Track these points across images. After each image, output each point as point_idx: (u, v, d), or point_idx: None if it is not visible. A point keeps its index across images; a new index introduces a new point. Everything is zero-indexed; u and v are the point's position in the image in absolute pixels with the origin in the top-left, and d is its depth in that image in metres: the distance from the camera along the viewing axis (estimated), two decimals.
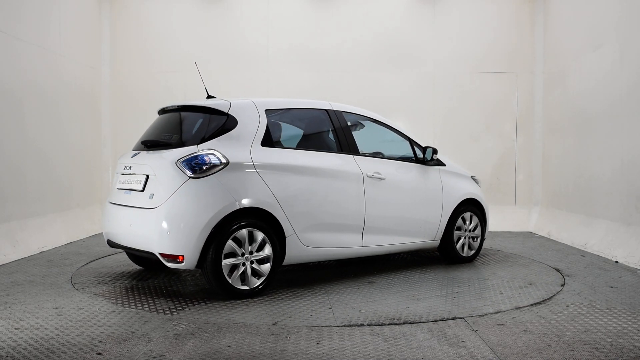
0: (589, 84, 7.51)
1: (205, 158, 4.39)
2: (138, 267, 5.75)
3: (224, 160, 4.43)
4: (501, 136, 9.23)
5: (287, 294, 4.72)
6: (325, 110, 5.30)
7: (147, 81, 9.10)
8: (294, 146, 5.06)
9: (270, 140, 4.77)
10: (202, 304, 4.40)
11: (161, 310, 4.20)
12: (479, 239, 6.19)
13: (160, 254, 4.35)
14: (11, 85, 6.46)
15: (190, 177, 4.33)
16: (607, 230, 6.78)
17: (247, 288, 4.47)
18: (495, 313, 4.18)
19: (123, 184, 4.88)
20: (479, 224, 6.16)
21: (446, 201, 5.83)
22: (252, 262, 4.49)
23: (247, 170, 4.51)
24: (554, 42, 8.73)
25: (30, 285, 4.99)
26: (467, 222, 6.05)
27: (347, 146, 5.25)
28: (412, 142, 5.79)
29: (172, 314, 4.11)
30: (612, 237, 6.61)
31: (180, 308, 4.28)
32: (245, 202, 4.43)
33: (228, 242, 4.36)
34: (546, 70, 9.00)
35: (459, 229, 5.99)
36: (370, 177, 5.24)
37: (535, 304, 4.44)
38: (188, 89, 8.60)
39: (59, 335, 3.62)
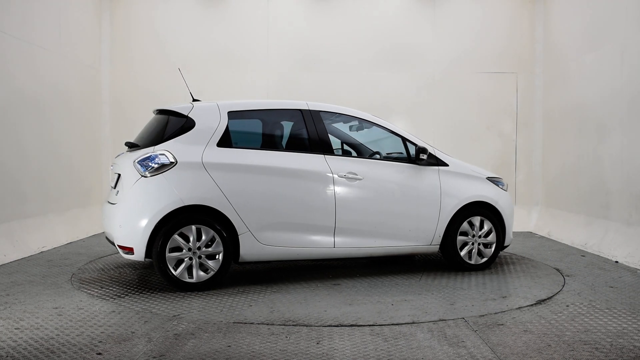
0: (589, 84, 7.51)
1: (156, 158, 4.72)
2: (138, 267, 5.75)
3: (172, 160, 4.71)
4: (501, 136, 9.23)
5: (234, 289, 4.86)
6: (300, 110, 5.29)
7: (147, 81, 9.09)
8: (257, 146, 5.16)
9: (228, 140, 4.94)
10: (202, 304, 4.41)
11: (161, 310, 4.21)
12: (493, 245, 5.67)
13: (118, 245, 4.76)
14: (11, 85, 6.46)
15: (142, 176, 4.71)
16: (607, 230, 6.78)
17: (194, 281, 4.71)
18: (495, 313, 4.18)
19: (111, 182, 5.38)
20: (493, 230, 5.64)
21: (445, 204, 5.45)
22: (200, 257, 4.72)
23: (196, 170, 4.74)
24: (554, 42, 8.73)
25: (30, 285, 4.99)
26: (476, 227, 5.58)
27: (320, 146, 5.19)
28: (406, 142, 5.51)
29: (172, 314, 4.11)
30: (612, 237, 6.61)
31: (180, 308, 4.28)
32: (191, 199, 4.67)
33: (173, 237, 4.64)
34: (546, 70, 9.00)
35: (464, 234, 5.56)
36: (342, 177, 5.11)
37: (535, 304, 4.44)
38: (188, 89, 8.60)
39: (59, 335, 3.62)
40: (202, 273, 4.73)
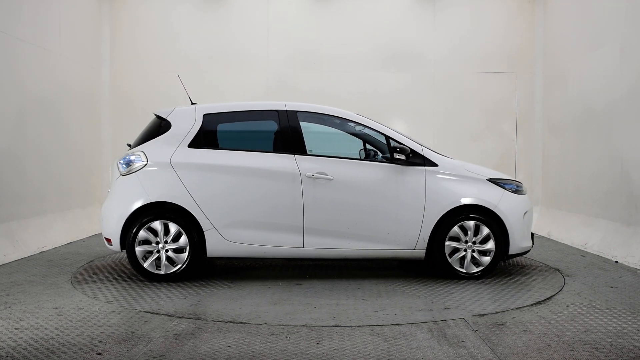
0: (589, 84, 7.51)
1: (131, 158, 5.19)
2: None
3: (145, 160, 5.13)
4: (501, 136, 9.23)
5: (198, 282, 5.12)
6: (276, 111, 5.33)
7: (146, 81, 9.09)
8: (229, 147, 5.27)
9: (200, 141, 5.22)
10: (202, 304, 4.41)
11: (161, 310, 4.21)
12: (491, 253, 5.22)
13: (104, 237, 5.26)
14: (10, 86, 6.46)
15: (120, 175, 5.20)
16: (607, 230, 6.78)
17: (162, 273, 5.08)
18: (495, 313, 4.18)
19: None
20: (491, 237, 5.22)
21: (430, 206, 5.14)
22: (167, 251, 5.06)
23: (164, 169, 5.10)
24: (554, 42, 8.73)
25: (30, 285, 4.99)
26: (470, 233, 5.19)
27: (293, 146, 5.20)
28: (390, 141, 5.27)
29: (172, 314, 4.11)
30: (612, 237, 6.61)
31: (180, 308, 4.29)
32: (156, 196, 5.06)
33: (141, 231, 5.03)
34: (546, 70, 9.00)
35: (455, 239, 5.20)
36: (310, 177, 5.09)
37: (535, 304, 4.44)
38: (187, 89, 8.60)
39: (59, 335, 3.63)
40: (169, 266, 5.07)
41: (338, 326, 3.86)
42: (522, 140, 9.22)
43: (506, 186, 5.36)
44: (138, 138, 5.44)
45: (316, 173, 5.12)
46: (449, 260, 5.21)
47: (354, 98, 8.96)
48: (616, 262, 6.14)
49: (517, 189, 5.41)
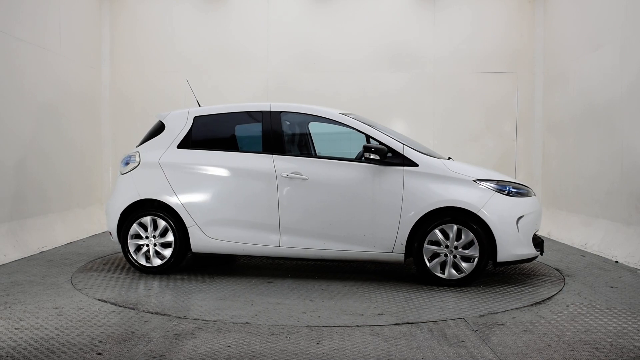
0: (589, 84, 7.51)
1: (130, 158, 5.62)
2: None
3: (138, 160, 5.52)
4: (501, 136, 9.23)
5: (179, 275, 5.40)
6: (262, 112, 5.42)
7: (147, 82, 9.09)
8: (214, 148, 5.47)
9: (188, 142, 5.49)
10: (202, 303, 4.41)
11: (161, 310, 4.21)
12: (475, 260, 4.88)
13: (108, 230, 5.68)
14: (10, 86, 6.46)
15: (120, 173, 5.66)
16: (607, 230, 6.78)
17: (150, 266, 5.41)
18: (495, 313, 4.18)
19: None
20: (475, 242, 4.87)
21: (407, 208, 4.92)
22: (155, 245, 5.40)
23: (153, 168, 5.45)
24: (554, 42, 8.73)
25: (30, 285, 4.99)
26: (452, 237, 4.89)
27: (273, 146, 5.28)
28: (370, 141, 5.12)
29: (172, 314, 4.12)
30: (612, 237, 6.61)
31: (180, 308, 4.29)
32: (145, 194, 5.42)
33: (133, 225, 5.42)
34: (546, 70, 9.00)
35: (435, 243, 4.92)
36: (285, 177, 5.13)
37: (535, 304, 4.44)
38: (187, 90, 8.60)
39: (59, 335, 3.63)
40: (157, 259, 5.40)
41: (248, 324, 3.88)
42: (522, 140, 9.22)
43: (498, 187, 4.97)
44: (142, 139, 5.79)
45: (291, 173, 5.15)
46: (428, 264, 4.94)
47: (354, 98, 8.97)
48: (616, 262, 6.14)
49: (513, 191, 5.02)
